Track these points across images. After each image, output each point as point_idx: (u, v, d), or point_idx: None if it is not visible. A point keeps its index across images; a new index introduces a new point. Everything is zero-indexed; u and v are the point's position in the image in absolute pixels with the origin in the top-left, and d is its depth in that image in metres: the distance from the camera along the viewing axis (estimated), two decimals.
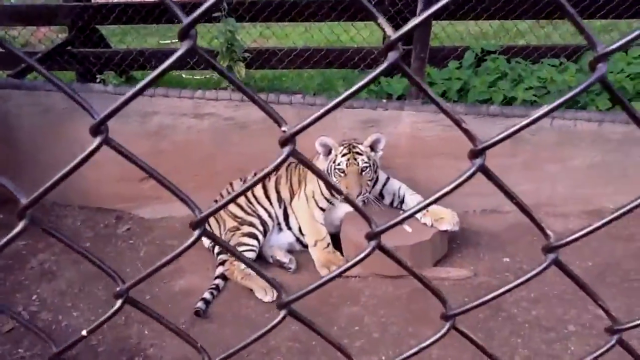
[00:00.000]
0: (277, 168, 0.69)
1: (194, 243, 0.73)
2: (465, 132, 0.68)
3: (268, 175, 0.71)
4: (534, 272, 0.77)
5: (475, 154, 0.68)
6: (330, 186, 0.74)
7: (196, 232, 0.73)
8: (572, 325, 3.11)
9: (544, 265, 0.75)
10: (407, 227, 3.62)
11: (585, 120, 3.99)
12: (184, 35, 0.61)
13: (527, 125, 0.67)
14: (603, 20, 4.44)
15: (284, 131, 0.67)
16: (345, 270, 0.78)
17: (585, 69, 4.43)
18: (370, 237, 0.73)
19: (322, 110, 0.66)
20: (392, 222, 0.73)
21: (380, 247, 0.74)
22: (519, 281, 0.78)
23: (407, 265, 0.78)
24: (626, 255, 3.66)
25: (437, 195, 0.71)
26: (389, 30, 0.62)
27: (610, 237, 3.84)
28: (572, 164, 4.11)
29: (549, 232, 0.74)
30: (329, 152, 3.67)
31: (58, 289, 3.63)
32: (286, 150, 0.67)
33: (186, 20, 0.61)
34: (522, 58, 4.60)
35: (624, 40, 0.61)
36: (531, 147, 4.06)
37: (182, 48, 0.62)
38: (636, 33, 0.60)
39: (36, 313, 3.40)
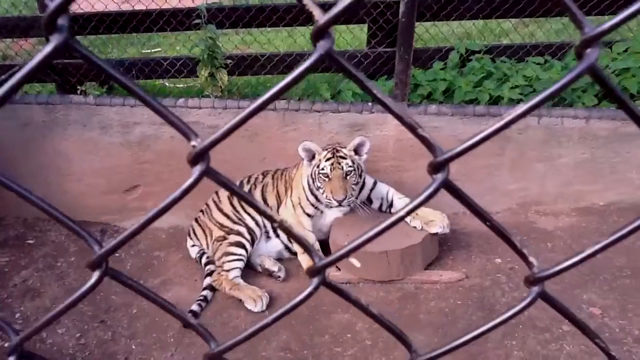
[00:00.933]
0: (186, 193, 0.56)
1: (93, 287, 0.62)
2: (423, 139, 0.55)
3: (174, 204, 0.58)
4: (516, 309, 0.66)
5: (436, 168, 0.55)
6: (258, 210, 0.62)
7: (95, 273, 0.61)
8: (566, 325, 3.07)
9: (528, 300, 0.64)
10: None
11: (571, 117, 3.97)
12: (50, 26, 0.46)
13: (500, 129, 0.54)
14: (599, 16, 4.42)
15: (194, 146, 0.54)
16: (287, 312, 0.66)
17: (570, 66, 4.41)
18: (312, 272, 0.61)
19: (236, 119, 0.53)
20: (336, 256, 0.60)
21: (325, 283, 0.62)
22: (498, 320, 0.67)
23: (361, 304, 0.66)
24: (618, 252, 3.64)
25: (388, 222, 0.59)
26: (317, 13, 0.48)
27: (600, 233, 3.82)
28: (561, 162, 4.08)
29: (531, 259, 0.63)
30: (313, 157, 3.62)
31: (42, 306, 3.54)
32: (197, 170, 0.54)
33: (52, 5, 0.46)
34: (507, 57, 4.57)
35: (617, 19, 0.49)
36: (518, 145, 4.04)
37: (50, 44, 0.47)
38: (630, 10, 0.48)
39: (19, 332, 3.31)
